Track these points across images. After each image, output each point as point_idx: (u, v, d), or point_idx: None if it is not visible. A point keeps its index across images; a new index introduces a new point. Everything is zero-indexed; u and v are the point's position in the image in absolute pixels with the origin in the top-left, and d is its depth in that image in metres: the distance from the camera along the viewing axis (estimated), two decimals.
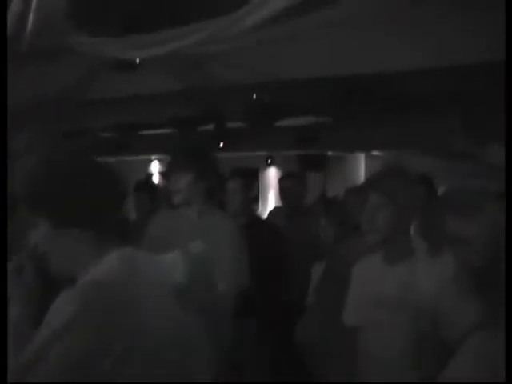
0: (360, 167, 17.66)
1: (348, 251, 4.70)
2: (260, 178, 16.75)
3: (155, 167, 17.78)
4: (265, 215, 9.04)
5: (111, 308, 2.25)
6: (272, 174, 16.67)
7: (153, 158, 17.32)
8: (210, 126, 13.55)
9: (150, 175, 17.68)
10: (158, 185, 9.14)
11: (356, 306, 3.92)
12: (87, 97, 7.24)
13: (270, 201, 16.27)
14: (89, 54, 5.61)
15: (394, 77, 7.16)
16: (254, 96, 9.73)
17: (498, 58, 5.72)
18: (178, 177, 4.72)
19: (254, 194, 6.60)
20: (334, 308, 4.67)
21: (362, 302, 3.84)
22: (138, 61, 5.81)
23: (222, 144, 13.71)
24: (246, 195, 5.97)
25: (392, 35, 5.63)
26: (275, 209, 7.91)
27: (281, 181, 7.10)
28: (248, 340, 5.53)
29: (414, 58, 5.96)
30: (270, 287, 5.61)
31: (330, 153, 16.14)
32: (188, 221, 4.74)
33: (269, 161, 16.27)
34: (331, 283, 4.81)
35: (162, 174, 17.58)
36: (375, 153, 16.53)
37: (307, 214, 6.89)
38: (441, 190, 5.48)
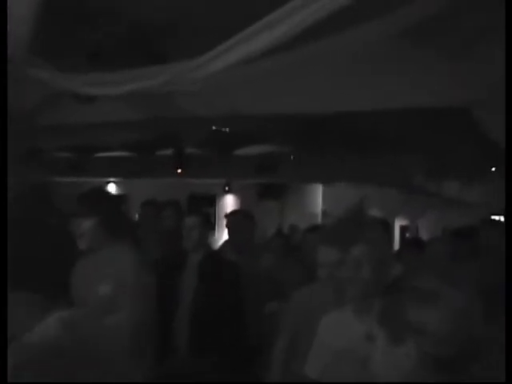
0: (318, 197, 17.66)
1: (311, 298, 4.61)
2: (217, 205, 16.67)
3: (112, 189, 17.60)
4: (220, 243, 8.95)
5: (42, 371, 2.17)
6: (229, 202, 16.61)
7: (109, 180, 17.15)
8: (169, 151, 13.48)
9: None
10: None
11: (320, 358, 3.81)
12: (44, 122, 7.11)
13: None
14: (48, 85, 5.50)
15: (355, 115, 7.15)
16: (214, 127, 9.70)
17: (458, 104, 5.79)
18: (80, 221, 4.52)
19: (210, 229, 6.44)
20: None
21: (327, 356, 3.74)
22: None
23: (179, 170, 13.61)
24: (202, 231, 5.85)
25: (355, 75, 5.62)
26: (227, 243, 7.78)
27: (227, 217, 6.96)
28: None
29: (377, 99, 5.96)
30: (227, 327, 5.51)
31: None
32: (96, 265, 4.51)
33: (226, 188, 16.19)
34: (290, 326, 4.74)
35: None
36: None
37: (262, 251, 6.81)
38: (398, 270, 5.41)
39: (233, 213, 7.06)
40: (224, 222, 7.08)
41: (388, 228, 6.61)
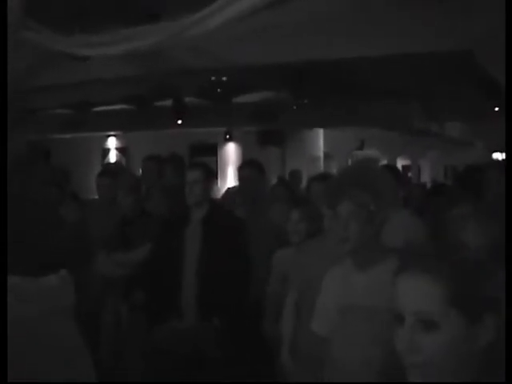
0: (319, 141, 17.61)
1: (314, 252, 4.60)
2: (218, 154, 16.62)
3: (112, 143, 17.57)
4: (223, 192, 8.93)
5: None
6: (231, 149, 16.56)
7: (109, 133, 17.10)
8: (168, 102, 13.41)
9: (107, 150, 17.50)
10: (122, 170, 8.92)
11: (326, 315, 3.81)
12: (39, 82, 7.04)
13: (229, 176, 16.16)
14: (43, 48, 5.43)
15: (357, 62, 7.08)
16: (213, 78, 9.64)
17: (459, 47, 5.73)
18: None
19: (213, 182, 6.36)
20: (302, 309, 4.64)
21: (332, 311, 3.74)
22: None
23: (179, 120, 13.55)
24: (205, 185, 5.79)
25: (354, 23, 5.55)
26: (233, 193, 7.69)
27: (240, 170, 6.79)
28: (212, 339, 5.45)
29: (376, 45, 5.89)
30: (233, 281, 5.49)
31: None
32: None
33: (227, 136, 16.11)
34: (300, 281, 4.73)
35: (119, 149, 17.41)
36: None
37: (267, 202, 6.74)
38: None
39: (246, 164, 6.90)
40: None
41: (395, 174, 6.52)
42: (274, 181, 10.36)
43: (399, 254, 3.62)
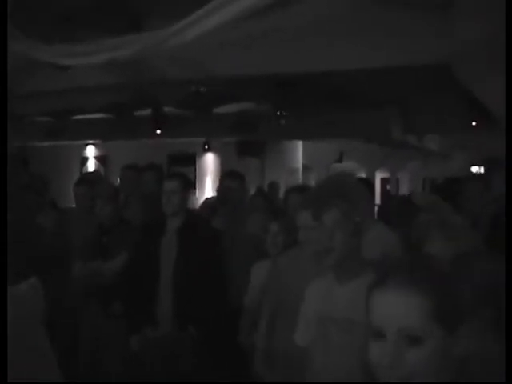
0: (298, 153, 17.65)
1: (291, 263, 4.61)
2: (197, 164, 16.61)
3: (91, 152, 17.53)
4: (200, 202, 8.93)
5: None
6: (209, 160, 16.55)
7: (88, 142, 17.05)
8: (147, 112, 13.40)
9: (86, 159, 17.46)
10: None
11: (307, 326, 3.82)
12: (20, 90, 7.03)
13: (207, 187, 16.17)
14: (25, 56, 5.43)
15: (337, 73, 7.11)
16: (193, 88, 9.65)
17: (438, 61, 5.79)
18: None
19: (191, 192, 6.34)
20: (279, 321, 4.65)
21: (313, 323, 3.75)
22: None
23: (158, 130, 13.54)
24: (182, 195, 5.79)
25: (333, 35, 5.60)
26: (211, 203, 7.68)
27: (223, 180, 6.78)
28: (187, 348, 5.45)
29: (355, 58, 5.94)
30: (209, 292, 5.50)
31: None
32: None
33: (206, 146, 16.10)
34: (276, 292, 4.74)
35: (97, 158, 17.37)
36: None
37: (246, 213, 6.75)
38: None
39: (230, 174, 6.89)
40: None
41: (370, 187, 6.58)
42: (252, 192, 10.37)
43: (376, 267, 3.67)
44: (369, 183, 7.11)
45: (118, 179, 8.21)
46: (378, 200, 18.21)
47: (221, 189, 6.74)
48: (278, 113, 12.67)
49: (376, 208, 9.50)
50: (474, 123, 12.08)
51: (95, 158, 17.44)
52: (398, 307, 1.79)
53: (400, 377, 1.77)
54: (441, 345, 1.78)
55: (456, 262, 2.28)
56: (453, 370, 1.82)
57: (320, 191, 3.95)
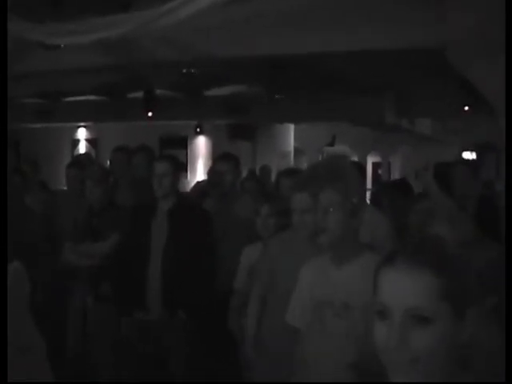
0: (290, 136, 17.61)
1: (282, 245, 4.60)
2: (189, 147, 16.55)
3: (82, 134, 17.44)
4: (191, 185, 8.91)
5: None
6: (201, 143, 16.49)
7: (80, 124, 16.96)
8: (139, 94, 13.35)
9: (77, 141, 17.39)
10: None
11: (301, 307, 3.80)
12: (9, 71, 6.97)
13: (199, 170, 16.11)
14: (13, 36, 5.37)
15: (330, 57, 7.08)
16: (184, 70, 9.61)
17: (431, 45, 5.76)
18: None
19: (182, 174, 6.28)
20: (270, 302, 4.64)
21: (307, 304, 3.73)
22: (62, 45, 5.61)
23: (150, 113, 13.49)
24: (173, 178, 5.75)
25: (326, 18, 5.57)
26: (202, 186, 7.62)
27: (216, 163, 6.69)
28: (177, 331, 5.44)
29: (348, 40, 5.90)
30: (199, 275, 5.47)
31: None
32: None
33: (198, 129, 16.03)
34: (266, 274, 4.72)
35: (89, 140, 17.30)
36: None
37: (238, 196, 6.72)
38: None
39: (223, 157, 6.83)
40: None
41: (362, 171, 6.57)
42: (244, 175, 10.34)
43: (378, 249, 3.66)
44: (361, 167, 7.10)
45: (109, 161, 8.16)
46: (369, 184, 18.25)
47: (212, 171, 6.70)
48: (269, 96, 12.63)
49: (368, 193, 9.51)
50: (466, 108, 12.07)
51: (86, 140, 17.35)
52: (406, 286, 1.75)
53: (403, 361, 1.73)
54: (449, 329, 1.75)
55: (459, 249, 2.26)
56: (456, 359, 1.79)
57: (315, 172, 3.95)
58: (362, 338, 3.27)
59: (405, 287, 1.75)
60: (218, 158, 6.85)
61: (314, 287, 3.71)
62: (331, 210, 3.51)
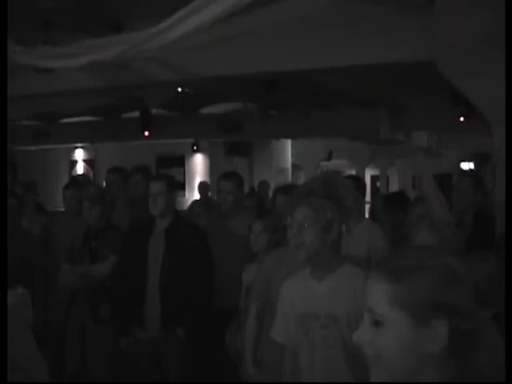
0: (287, 153, 17.64)
1: (275, 262, 4.60)
2: (186, 165, 16.57)
3: (79, 155, 17.47)
4: (189, 203, 8.91)
5: None
6: (198, 160, 16.52)
7: (76, 145, 16.99)
8: (135, 113, 13.40)
9: (75, 162, 17.41)
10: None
11: (285, 323, 3.83)
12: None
13: (196, 187, 16.12)
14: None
15: (324, 73, 7.11)
16: (179, 89, 9.64)
17: (419, 58, 5.80)
18: None
19: (179, 192, 6.26)
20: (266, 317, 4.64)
21: (290, 319, 3.76)
22: None
23: (146, 132, 13.52)
24: (169, 196, 5.76)
25: (323, 35, 5.61)
26: (198, 206, 7.63)
27: (221, 181, 6.58)
28: (176, 349, 5.43)
29: (344, 56, 5.94)
30: (196, 293, 5.48)
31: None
32: None
33: (195, 147, 16.06)
34: (261, 291, 4.72)
35: (86, 161, 17.32)
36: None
37: (238, 214, 6.67)
38: None
39: (228, 175, 6.72)
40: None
41: (360, 184, 6.53)
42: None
43: (358, 261, 3.73)
44: (359, 180, 7.08)
45: (104, 182, 8.17)
46: (368, 197, 18.26)
47: (219, 191, 6.56)
48: (264, 112, 12.64)
49: (367, 205, 9.52)
50: (461, 119, 12.08)
51: (84, 161, 17.38)
52: (370, 291, 1.88)
53: (370, 356, 1.85)
54: (407, 336, 1.81)
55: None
56: (431, 368, 1.83)
57: (300, 189, 4.00)
58: (350, 346, 3.31)
59: (369, 291, 1.89)
60: (221, 178, 6.74)
61: (295, 301, 3.76)
62: (306, 225, 3.57)
